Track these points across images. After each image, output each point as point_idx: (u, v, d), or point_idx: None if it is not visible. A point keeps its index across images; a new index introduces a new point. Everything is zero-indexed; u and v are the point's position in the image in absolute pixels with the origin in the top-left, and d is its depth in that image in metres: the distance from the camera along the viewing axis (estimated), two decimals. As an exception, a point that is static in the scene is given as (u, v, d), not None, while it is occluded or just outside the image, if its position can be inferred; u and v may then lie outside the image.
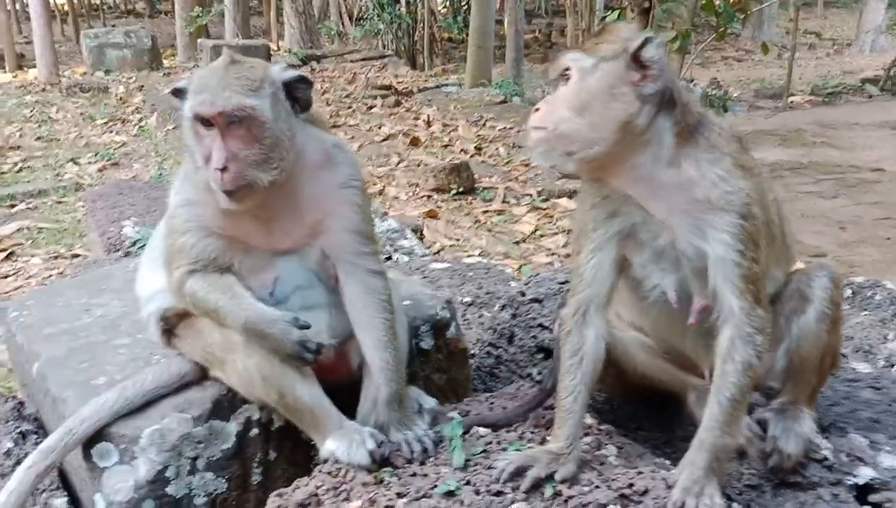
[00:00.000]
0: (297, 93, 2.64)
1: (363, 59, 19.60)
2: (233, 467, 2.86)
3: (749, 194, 2.39)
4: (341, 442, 2.66)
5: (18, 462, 3.04)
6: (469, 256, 7.37)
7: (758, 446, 2.71)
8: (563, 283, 4.02)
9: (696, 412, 2.79)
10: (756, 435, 2.73)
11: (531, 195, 9.90)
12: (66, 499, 3.04)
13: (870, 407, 3.11)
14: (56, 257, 7.85)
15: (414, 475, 2.62)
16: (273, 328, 2.58)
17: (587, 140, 2.35)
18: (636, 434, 3.09)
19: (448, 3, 25.26)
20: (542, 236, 8.74)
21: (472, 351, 3.82)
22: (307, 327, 2.61)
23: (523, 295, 4.09)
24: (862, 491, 2.71)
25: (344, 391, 2.86)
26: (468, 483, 2.54)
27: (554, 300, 3.96)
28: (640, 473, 2.53)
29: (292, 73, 2.65)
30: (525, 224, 9.05)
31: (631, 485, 2.48)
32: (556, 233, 8.76)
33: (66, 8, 31.19)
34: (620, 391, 3.18)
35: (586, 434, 2.77)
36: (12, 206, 9.54)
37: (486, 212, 9.42)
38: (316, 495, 2.58)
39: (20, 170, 11.10)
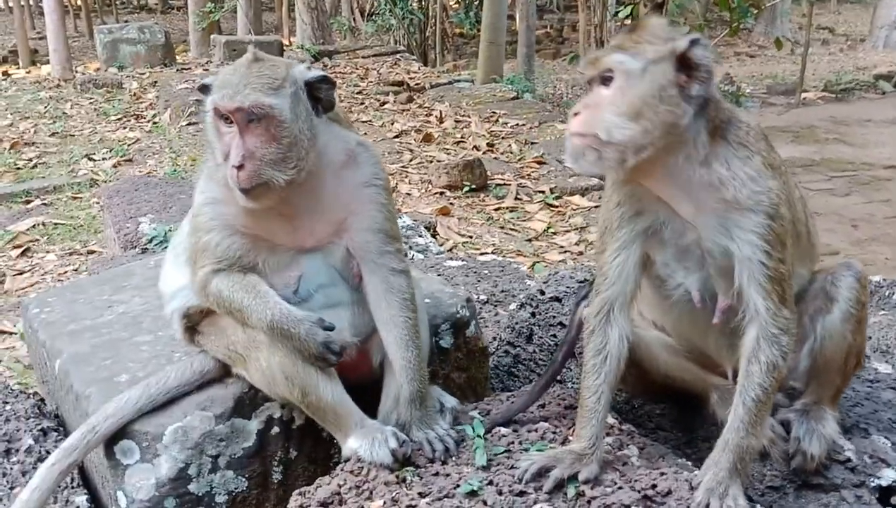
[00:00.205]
0: (319, 94, 2.63)
1: (375, 55, 19.56)
2: (253, 465, 2.87)
3: (778, 194, 2.38)
4: (364, 441, 2.67)
5: (40, 459, 3.07)
6: (483, 254, 7.37)
7: (781, 447, 2.71)
8: (582, 282, 4.01)
9: (718, 412, 2.78)
10: (779, 436, 2.72)
11: (544, 192, 9.89)
12: (86, 497, 3.05)
13: (891, 409, 3.09)
14: (71, 253, 7.90)
15: (436, 474, 2.62)
16: (298, 328, 2.58)
17: (638, 145, 2.30)
18: (656, 434, 3.08)
19: (460, -1, 25.22)
20: (554, 233, 8.73)
21: (489, 350, 3.82)
22: (332, 328, 2.62)
23: (542, 293, 4.08)
24: (885, 493, 2.70)
25: (365, 389, 2.87)
26: (491, 483, 2.54)
27: (573, 299, 3.95)
28: (662, 474, 2.53)
29: (315, 73, 2.64)
30: (538, 221, 9.05)
31: (654, 486, 2.47)
32: (568, 231, 8.76)
33: (79, 3, 31.26)
34: (641, 391, 3.17)
35: (608, 435, 2.76)
36: (27, 202, 9.59)
37: (498, 209, 9.42)
38: (338, 493, 2.58)
39: (35, 166, 11.15)
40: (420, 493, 2.52)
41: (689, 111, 2.33)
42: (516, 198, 9.72)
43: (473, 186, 9.83)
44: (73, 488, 3.08)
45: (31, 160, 11.35)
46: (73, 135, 12.64)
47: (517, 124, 12.99)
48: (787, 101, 18.25)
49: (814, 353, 2.69)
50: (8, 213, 9.22)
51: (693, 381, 2.92)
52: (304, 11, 20.01)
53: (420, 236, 6.63)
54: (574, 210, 9.39)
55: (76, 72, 17.68)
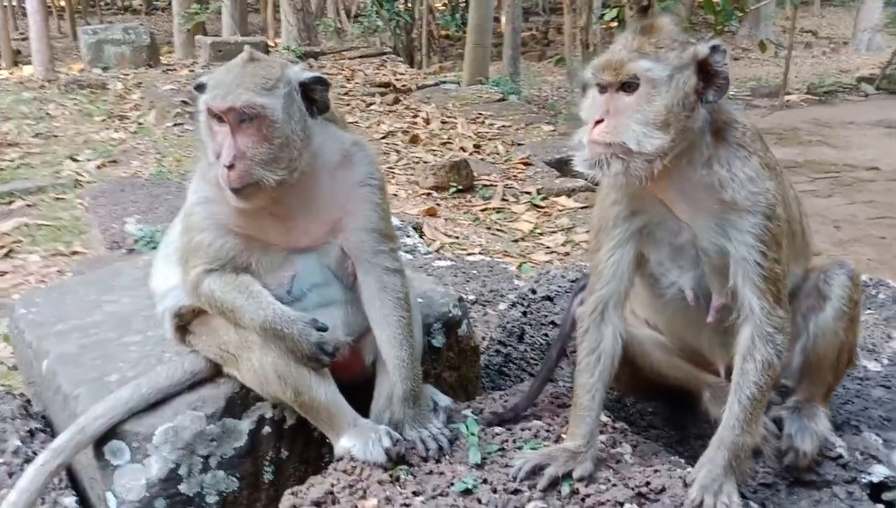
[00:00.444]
0: (314, 95, 2.62)
1: (361, 57, 19.56)
2: (245, 465, 2.85)
3: (775, 195, 2.39)
4: (357, 440, 2.66)
5: (27, 460, 3.03)
6: (470, 254, 7.37)
7: (773, 444, 2.72)
8: (574, 281, 4.01)
9: (711, 409, 2.80)
10: (771, 434, 2.73)
11: (530, 193, 9.91)
12: (75, 498, 3.01)
13: (881, 406, 3.12)
14: (55, 254, 7.81)
15: (430, 473, 2.61)
16: (291, 328, 2.57)
17: (664, 153, 2.28)
18: (649, 432, 3.09)
19: (446, 1, 25.24)
20: (541, 234, 8.74)
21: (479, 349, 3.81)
22: (325, 329, 2.61)
23: (534, 292, 4.08)
24: (876, 489, 2.72)
25: (357, 388, 2.85)
26: (485, 481, 2.53)
27: (565, 298, 3.95)
28: (656, 471, 2.54)
29: (309, 74, 2.63)
30: (524, 222, 9.06)
31: (647, 483, 2.48)
32: (554, 232, 8.77)
33: (62, 4, 31.03)
34: (634, 389, 3.18)
35: (601, 433, 2.76)
36: (10, 203, 9.48)
37: (485, 209, 9.42)
38: (332, 493, 2.56)
39: (18, 166, 11.01)
40: (414, 492, 2.51)
41: (706, 117, 2.33)
42: (503, 199, 9.74)
43: (460, 187, 9.84)
44: (61, 489, 3.03)
45: (13, 161, 11.21)
46: (57, 136, 12.51)
47: (503, 126, 13.03)
48: (770, 104, 18.34)
49: (806, 351, 2.70)
50: (-10, 214, 9.12)
51: (685, 379, 2.93)
52: (290, 12, 19.96)
53: (408, 236, 6.64)
54: (560, 211, 9.41)
55: (59, 72, 17.53)
